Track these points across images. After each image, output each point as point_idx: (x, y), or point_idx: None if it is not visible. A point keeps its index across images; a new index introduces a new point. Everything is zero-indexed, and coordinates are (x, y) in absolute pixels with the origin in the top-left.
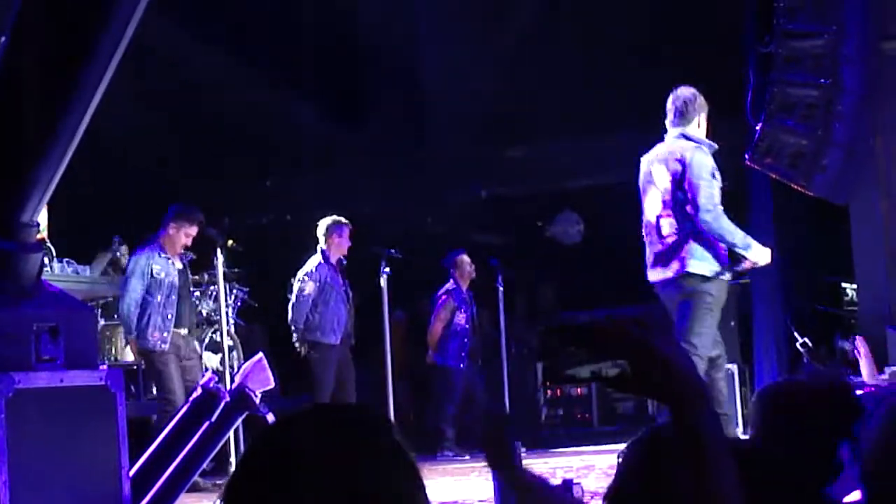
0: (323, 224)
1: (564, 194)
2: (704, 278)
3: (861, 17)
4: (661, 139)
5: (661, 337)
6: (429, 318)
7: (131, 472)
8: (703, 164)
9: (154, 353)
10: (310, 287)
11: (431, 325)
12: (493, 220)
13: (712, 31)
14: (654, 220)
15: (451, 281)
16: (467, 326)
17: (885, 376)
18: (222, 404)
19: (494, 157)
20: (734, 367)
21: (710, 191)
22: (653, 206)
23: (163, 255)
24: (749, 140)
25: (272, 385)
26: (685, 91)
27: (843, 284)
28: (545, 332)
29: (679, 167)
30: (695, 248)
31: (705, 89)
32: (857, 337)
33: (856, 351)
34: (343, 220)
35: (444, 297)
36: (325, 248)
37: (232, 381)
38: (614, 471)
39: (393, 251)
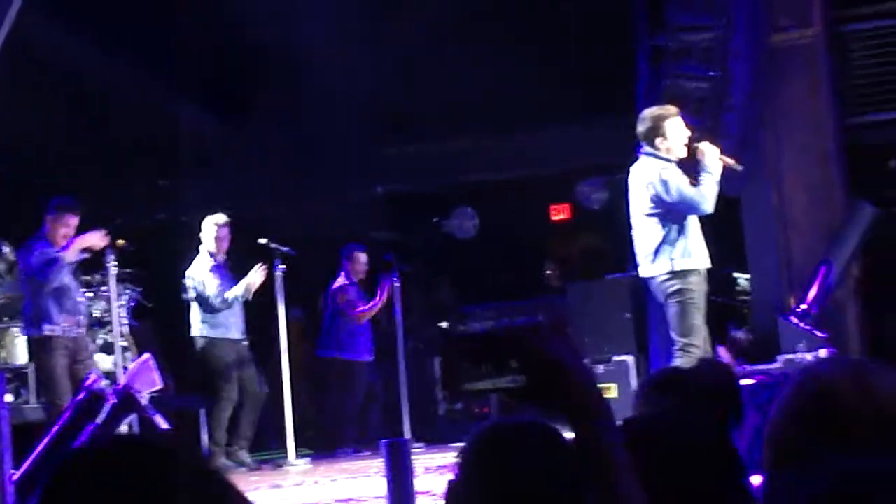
0: (206, 224)
1: (460, 190)
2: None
3: (750, 11)
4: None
5: (561, 347)
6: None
7: (15, 477)
8: (669, 178)
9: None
10: (212, 283)
11: (352, 314)
12: (389, 217)
13: (603, 26)
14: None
15: (343, 275)
16: (368, 322)
17: (778, 364)
18: (107, 406)
19: (390, 153)
20: (630, 358)
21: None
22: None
23: (50, 248)
24: None
25: (159, 386)
26: (645, 113)
27: (736, 275)
28: (443, 346)
29: (650, 189)
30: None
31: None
32: (720, 346)
33: (719, 358)
34: (223, 218)
35: (342, 289)
36: (210, 248)
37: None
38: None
39: (287, 249)
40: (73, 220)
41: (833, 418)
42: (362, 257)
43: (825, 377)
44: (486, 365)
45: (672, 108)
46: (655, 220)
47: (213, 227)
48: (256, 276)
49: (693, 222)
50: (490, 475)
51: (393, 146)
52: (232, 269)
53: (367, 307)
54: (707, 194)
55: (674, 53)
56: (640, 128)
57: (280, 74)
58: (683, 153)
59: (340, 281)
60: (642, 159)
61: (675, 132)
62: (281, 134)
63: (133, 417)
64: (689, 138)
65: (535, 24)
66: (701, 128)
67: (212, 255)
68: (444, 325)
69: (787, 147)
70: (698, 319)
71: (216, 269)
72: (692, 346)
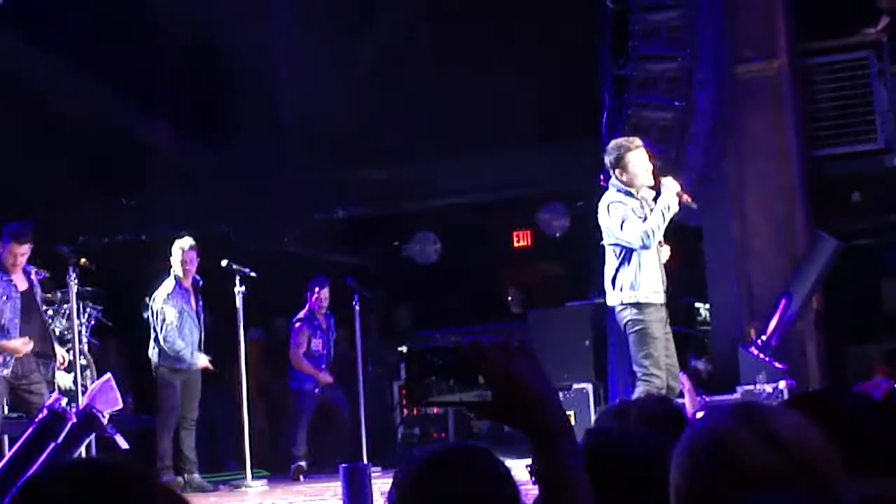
0: (174, 248)
1: (421, 214)
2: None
3: (714, 42)
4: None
5: (526, 364)
6: (286, 337)
7: None
8: (617, 211)
9: None
10: (171, 314)
11: (291, 353)
12: (350, 240)
13: (569, 53)
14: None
15: (307, 308)
16: (323, 352)
17: (738, 395)
18: (69, 425)
19: (351, 177)
20: (589, 386)
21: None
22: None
23: (3, 277)
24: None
25: (120, 405)
26: (610, 144)
27: (697, 305)
28: (408, 357)
29: (603, 219)
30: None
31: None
32: (682, 373)
33: (681, 385)
34: (189, 242)
35: (297, 324)
36: (177, 272)
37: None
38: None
39: (248, 270)
40: (23, 249)
41: (734, 473)
42: (324, 292)
43: (720, 428)
44: (453, 379)
45: (635, 140)
46: (611, 250)
47: (178, 251)
48: (205, 363)
49: (649, 253)
50: (423, 501)
51: (355, 169)
52: (202, 290)
53: (292, 357)
54: (652, 231)
55: (638, 82)
56: (606, 158)
57: (245, 97)
58: (649, 181)
59: (301, 314)
60: (608, 190)
61: (638, 164)
62: (244, 156)
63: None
64: (654, 168)
65: (499, 48)
66: (664, 157)
67: (177, 279)
68: (403, 349)
69: (750, 178)
70: (656, 349)
71: (179, 294)
72: (651, 374)
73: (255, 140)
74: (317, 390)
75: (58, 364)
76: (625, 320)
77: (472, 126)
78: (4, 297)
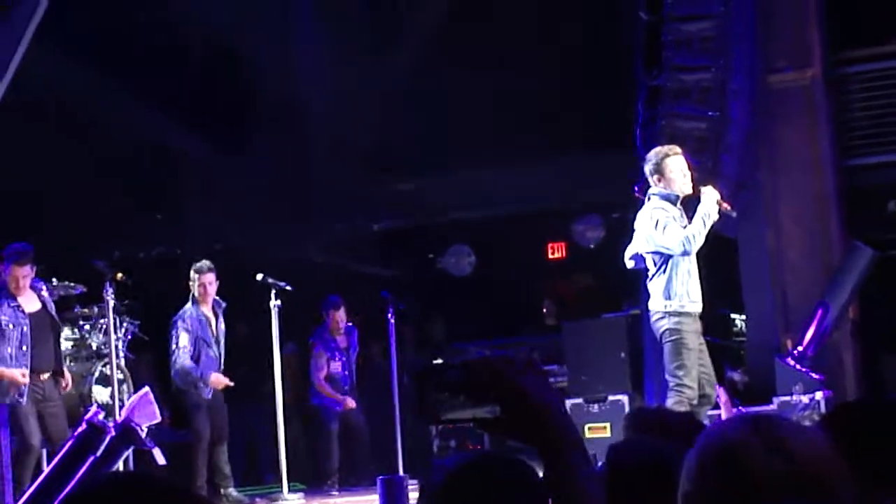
0: (191, 272)
1: (456, 227)
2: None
3: (747, 52)
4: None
5: (533, 379)
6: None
7: None
8: (660, 217)
9: (15, 408)
10: (184, 338)
11: (312, 377)
12: (384, 253)
13: (601, 65)
14: None
15: (323, 327)
16: (344, 373)
17: (774, 406)
18: (108, 438)
19: (385, 189)
20: (625, 398)
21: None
22: None
23: (10, 303)
24: (640, 172)
25: (159, 419)
26: (650, 153)
27: (732, 315)
28: (417, 377)
29: (646, 226)
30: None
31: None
32: (718, 385)
33: (717, 397)
34: (205, 265)
35: (316, 346)
36: (195, 294)
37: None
38: None
39: (283, 283)
40: (24, 271)
41: (741, 482)
42: (339, 315)
43: (729, 436)
44: (463, 395)
45: (675, 147)
46: (650, 258)
47: (194, 276)
48: (221, 381)
49: (686, 262)
50: None
51: (389, 182)
52: (223, 312)
53: (316, 382)
54: (693, 237)
55: (672, 93)
56: (646, 167)
57: (278, 109)
58: (687, 189)
59: (317, 333)
60: (650, 199)
61: (676, 170)
62: (278, 169)
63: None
64: (693, 176)
65: (536, 57)
66: (700, 168)
67: (196, 304)
68: (438, 361)
69: (785, 188)
70: (689, 360)
71: (197, 321)
72: (684, 385)
73: (286, 152)
74: (338, 407)
75: (63, 386)
76: (661, 329)
77: (506, 137)
78: (11, 325)
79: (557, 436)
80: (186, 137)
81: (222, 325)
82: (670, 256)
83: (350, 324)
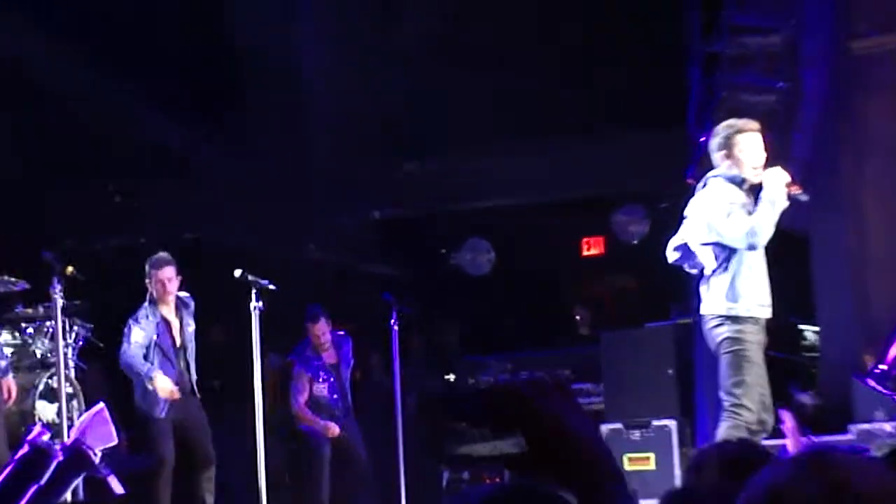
0: (147, 265)
1: (473, 217)
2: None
3: (825, 11)
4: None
5: (565, 404)
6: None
7: None
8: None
9: None
10: (137, 334)
11: (295, 403)
12: (387, 246)
13: (648, 26)
14: None
15: (305, 343)
16: (334, 396)
17: (851, 436)
18: (54, 464)
19: (390, 172)
20: (672, 423)
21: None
22: None
23: None
24: (692, 155)
25: (115, 442)
26: (718, 126)
27: (802, 326)
28: (422, 408)
29: (707, 212)
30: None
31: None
32: (782, 409)
33: (781, 423)
34: (163, 256)
35: (295, 366)
36: (152, 293)
37: (69, 435)
38: None
39: (267, 282)
40: None
41: None
42: (319, 328)
43: (779, 481)
44: (485, 427)
45: (751, 122)
46: (710, 250)
47: (149, 271)
48: (166, 388)
49: (753, 259)
50: None
51: (394, 164)
52: (192, 314)
53: (297, 408)
54: (759, 227)
55: (732, 60)
56: (712, 141)
57: (263, 78)
58: (754, 178)
59: (298, 350)
60: (710, 182)
61: (747, 149)
62: (263, 147)
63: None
64: (765, 162)
65: (565, 21)
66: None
67: (152, 303)
68: (450, 377)
69: (870, 174)
70: (751, 376)
71: (152, 324)
72: (742, 406)
73: (273, 130)
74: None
75: (4, 398)
76: (719, 337)
77: (534, 112)
78: None
79: (594, 470)
80: (157, 109)
81: (190, 328)
82: (734, 251)
83: (341, 332)
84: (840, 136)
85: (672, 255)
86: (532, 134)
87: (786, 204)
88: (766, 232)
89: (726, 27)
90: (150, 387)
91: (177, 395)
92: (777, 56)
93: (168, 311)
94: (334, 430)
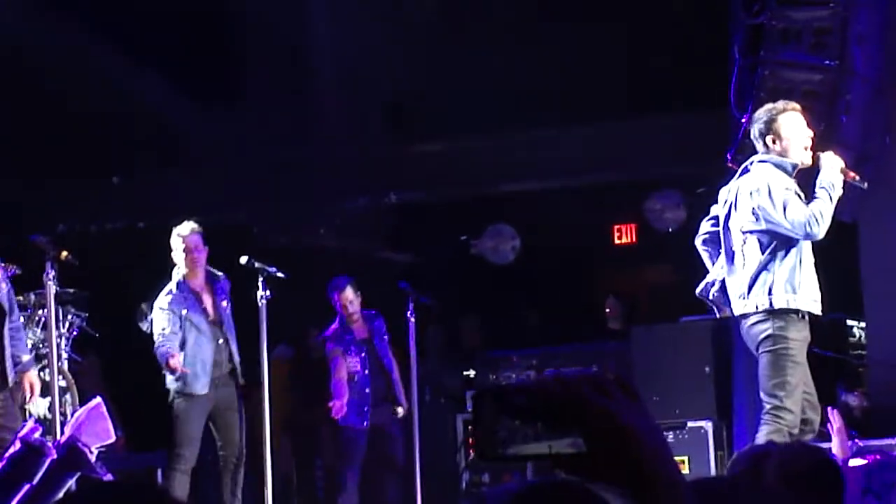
0: (172, 238)
1: (496, 202)
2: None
3: None
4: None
5: (627, 404)
6: (321, 354)
7: None
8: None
9: None
10: (161, 320)
11: (333, 386)
12: (405, 233)
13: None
14: None
15: (336, 320)
16: (366, 372)
17: None
18: (47, 462)
19: (408, 152)
20: (708, 425)
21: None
22: None
23: None
24: (733, 136)
25: (112, 439)
26: (759, 110)
27: (849, 322)
28: (477, 400)
29: (753, 198)
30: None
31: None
32: (831, 408)
33: (828, 425)
34: (190, 227)
35: (329, 345)
36: (181, 270)
37: (62, 432)
38: None
39: (275, 269)
40: None
41: None
42: (347, 294)
43: None
44: (539, 424)
45: (791, 103)
46: (755, 240)
47: (177, 241)
48: (175, 363)
49: (805, 251)
50: None
51: (412, 143)
52: (222, 287)
53: (335, 390)
54: (819, 215)
55: (778, 35)
56: (754, 128)
57: (271, 50)
58: (805, 159)
59: (331, 328)
60: (754, 167)
61: (793, 130)
62: (270, 125)
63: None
64: (812, 142)
65: None
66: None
67: (182, 279)
68: (470, 373)
69: None
70: (794, 377)
71: (182, 299)
72: (784, 409)
73: (282, 107)
74: (366, 423)
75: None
76: (761, 334)
77: (562, 90)
78: None
79: (655, 476)
80: (157, 84)
81: (225, 303)
82: (785, 241)
83: (373, 312)
84: (892, 120)
85: (701, 243)
86: (560, 113)
87: (841, 191)
88: (825, 221)
89: None
90: (166, 371)
91: (176, 366)
92: (826, 31)
93: (198, 283)
94: (336, 408)
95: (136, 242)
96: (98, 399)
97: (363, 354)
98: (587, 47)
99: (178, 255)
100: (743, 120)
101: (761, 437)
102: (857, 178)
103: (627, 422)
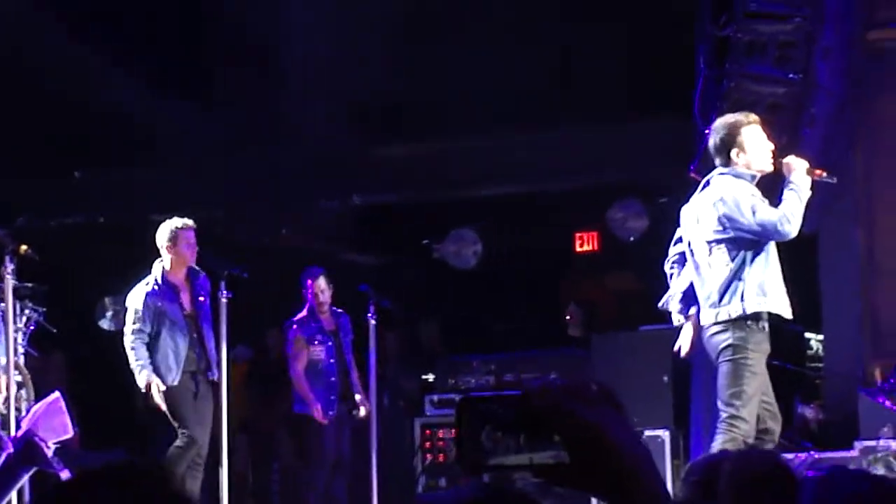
0: (160, 231)
1: (459, 206)
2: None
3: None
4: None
5: (610, 414)
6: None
7: None
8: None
9: None
10: (131, 316)
11: (292, 370)
12: (367, 235)
13: (653, 8)
14: None
15: (306, 308)
16: (331, 361)
17: (856, 452)
18: (3, 456)
19: (372, 154)
20: (665, 434)
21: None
22: None
23: None
24: (696, 147)
25: (70, 434)
26: (717, 122)
27: (807, 335)
28: (461, 408)
29: (718, 207)
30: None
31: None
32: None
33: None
34: (186, 222)
35: (292, 330)
36: (165, 265)
37: (18, 427)
38: None
39: (236, 270)
40: None
41: None
42: (318, 284)
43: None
44: (523, 435)
45: (751, 115)
46: (723, 249)
47: (173, 231)
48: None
49: (772, 256)
50: None
51: (377, 146)
52: (202, 284)
53: (294, 376)
54: (791, 214)
55: (744, 48)
56: (712, 140)
57: (240, 49)
58: (767, 167)
59: (297, 316)
60: (714, 181)
61: (755, 142)
62: (236, 124)
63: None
64: (773, 151)
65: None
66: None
67: (164, 272)
68: (429, 377)
69: (884, 174)
70: (751, 387)
71: (161, 294)
72: (739, 418)
73: (247, 106)
74: (332, 412)
75: None
76: (723, 344)
77: (526, 96)
78: None
79: (640, 489)
80: (122, 77)
81: (202, 299)
82: (752, 246)
83: (340, 309)
84: (854, 134)
85: (668, 267)
86: (524, 119)
87: (809, 193)
88: (797, 220)
89: (740, 11)
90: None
91: (159, 388)
92: (791, 45)
93: (178, 278)
94: (318, 414)
95: (96, 238)
96: (56, 394)
97: (329, 344)
98: (552, 56)
99: (172, 247)
100: (707, 131)
101: (716, 446)
102: (825, 174)
103: (609, 432)
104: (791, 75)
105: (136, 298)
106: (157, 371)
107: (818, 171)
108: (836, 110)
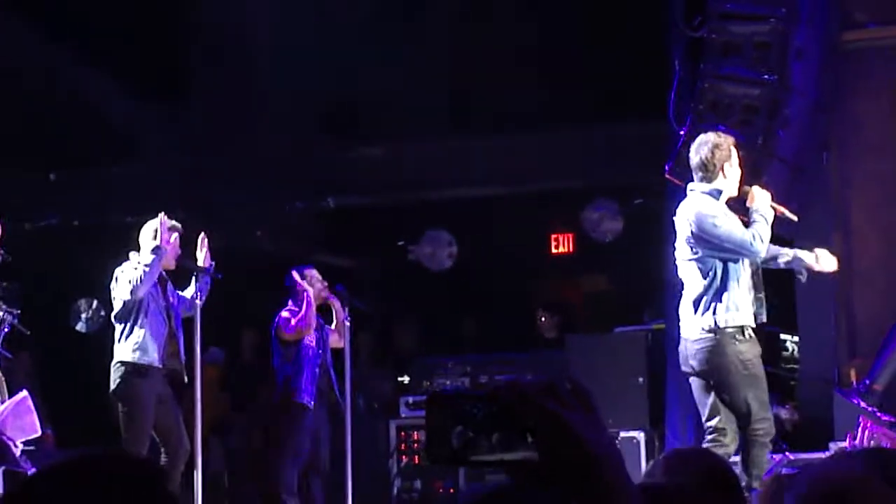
0: (145, 229)
1: (434, 207)
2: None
3: (818, 0)
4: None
5: (580, 412)
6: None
7: None
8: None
9: None
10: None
11: (283, 328)
12: (342, 237)
13: (628, 7)
14: None
15: (291, 303)
16: (319, 351)
17: (830, 454)
18: None
19: (347, 156)
20: (640, 435)
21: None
22: None
23: None
24: (671, 148)
25: (38, 433)
26: (702, 139)
27: (783, 337)
28: (430, 405)
29: (692, 225)
30: None
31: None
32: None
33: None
34: (173, 223)
35: (284, 314)
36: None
37: None
38: None
39: (209, 271)
40: None
41: None
42: (315, 275)
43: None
44: (495, 434)
45: (728, 138)
46: (694, 267)
47: (152, 231)
48: None
49: (743, 271)
50: None
51: (352, 147)
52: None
53: (301, 317)
54: (760, 234)
55: (719, 49)
56: (695, 157)
57: (214, 50)
58: (735, 191)
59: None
60: (689, 195)
61: (733, 169)
62: (211, 125)
63: None
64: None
65: (539, 1)
66: (747, 145)
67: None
68: (404, 379)
69: (859, 177)
70: (759, 388)
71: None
72: (761, 419)
73: (221, 106)
74: (312, 402)
75: None
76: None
77: (503, 97)
78: None
79: (609, 487)
80: (95, 79)
81: (174, 300)
82: (722, 263)
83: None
84: (828, 136)
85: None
86: (499, 120)
87: (772, 217)
88: (766, 241)
89: (714, 12)
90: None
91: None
92: (766, 46)
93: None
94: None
95: (71, 240)
96: (24, 392)
97: (318, 335)
98: (527, 57)
99: (149, 242)
100: (681, 132)
101: (753, 456)
102: (786, 211)
103: (579, 431)
104: (766, 76)
105: (131, 272)
106: (134, 351)
107: (780, 209)
108: (810, 112)
